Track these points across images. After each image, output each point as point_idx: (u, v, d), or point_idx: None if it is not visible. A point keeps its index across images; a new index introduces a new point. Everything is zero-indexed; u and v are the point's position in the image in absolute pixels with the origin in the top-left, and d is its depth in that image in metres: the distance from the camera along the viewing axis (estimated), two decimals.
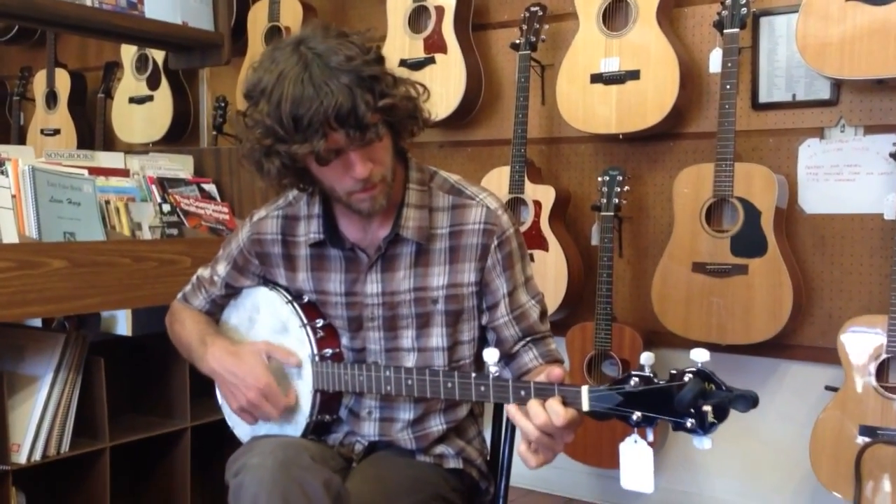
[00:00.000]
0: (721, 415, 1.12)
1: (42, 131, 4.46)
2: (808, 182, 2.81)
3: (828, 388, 2.64)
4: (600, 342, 2.94)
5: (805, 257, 2.83)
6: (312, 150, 1.37)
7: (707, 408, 1.11)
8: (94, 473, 2.28)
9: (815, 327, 2.83)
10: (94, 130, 4.33)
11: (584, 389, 1.22)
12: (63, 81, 4.43)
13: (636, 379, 1.17)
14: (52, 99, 4.46)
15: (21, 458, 2.10)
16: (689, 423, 1.13)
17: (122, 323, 3.17)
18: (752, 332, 2.71)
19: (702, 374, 1.13)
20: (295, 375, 1.60)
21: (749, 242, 2.70)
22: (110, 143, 4.24)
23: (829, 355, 2.73)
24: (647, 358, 1.17)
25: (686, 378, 1.13)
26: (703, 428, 1.13)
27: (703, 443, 1.14)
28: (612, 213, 2.93)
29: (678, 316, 2.84)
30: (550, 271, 3.06)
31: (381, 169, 1.46)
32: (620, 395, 1.18)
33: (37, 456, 2.12)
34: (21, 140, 4.58)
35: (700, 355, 1.14)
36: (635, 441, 1.22)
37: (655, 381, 1.16)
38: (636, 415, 1.17)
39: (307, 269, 1.62)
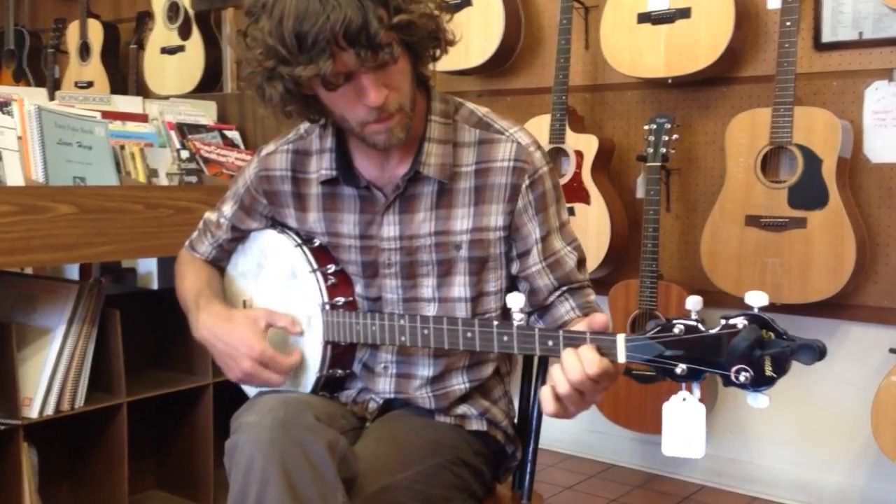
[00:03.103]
0: (780, 368, 0.95)
1: (76, 83, 4.39)
2: (875, 128, 2.59)
3: (892, 350, 2.45)
4: (645, 301, 2.77)
5: (870, 210, 2.62)
6: (318, 73, 1.22)
7: (765, 359, 0.95)
8: (111, 429, 2.19)
9: (880, 286, 2.62)
10: (127, 82, 4.24)
11: (621, 338, 1.06)
12: (96, 33, 4.35)
13: (681, 326, 1.01)
14: (85, 51, 4.38)
15: (33, 412, 2.01)
16: (744, 376, 0.97)
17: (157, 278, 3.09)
18: (809, 290, 2.52)
19: (759, 321, 0.96)
20: (304, 326, 1.46)
21: (808, 193, 2.50)
22: (143, 95, 4.15)
23: (895, 316, 2.53)
24: (693, 302, 1.01)
25: (740, 325, 0.97)
26: (760, 382, 0.96)
27: (759, 400, 0.97)
28: (659, 164, 2.74)
29: (729, 273, 2.66)
30: (592, 226, 2.89)
31: (398, 96, 1.30)
32: (662, 345, 1.01)
33: (49, 410, 2.03)
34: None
35: (757, 299, 0.97)
36: (684, 399, 1.06)
37: (703, 328, 1.00)
38: (680, 367, 1.01)
39: (319, 208, 1.48)
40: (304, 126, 1.51)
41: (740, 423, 2.93)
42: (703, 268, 2.72)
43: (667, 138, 2.73)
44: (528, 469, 1.51)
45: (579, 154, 2.91)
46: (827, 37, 2.64)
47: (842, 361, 2.71)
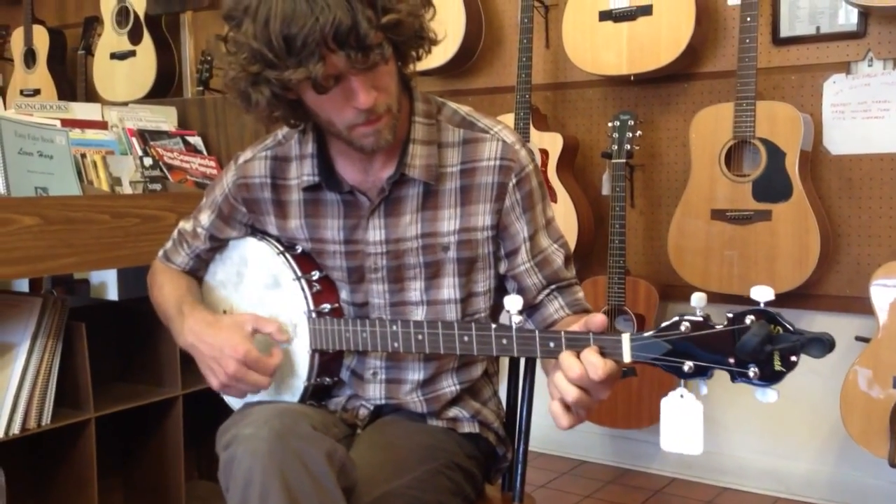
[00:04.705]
0: (790, 362, 0.96)
1: (22, 92, 4.27)
2: (834, 121, 2.63)
3: (858, 338, 2.49)
4: (614, 297, 2.78)
5: (830, 202, 2.66)
6: (309, 76, 1.18)
7: (774, 354, 0.95)
8: (79, 446, 2.13)
9: (842, 275, 2.67)
10: (75, 89, 4.14)
11: (625, 337, 1.06)
12: (41, 39, 4.23)
13: (687, 324, 1.00)
14: (30, 58, 4.26)
15: None
16: (752, 372, 0.97)
17: (114, 288, 3.01)
18: (776, 281, 2.55)
19: (766, 316, 0.96)
20: (290, 334, 1.43)
21: (772, 186, 2.53)
22: (93, 101, 4.04)
23: (858, 304, 2.58)
24: (698, 299, 1.00)
25: (748, 320, 0.97)
26: (769, 378, 0.96)
27: (768, 395, 0.98)
28: (623, 161, 2.76)
29: (696, 267, 2.68)
30: (559, 224, 2.87)
31: (387, 98, 1.28)
32: (668, 343, 1.01)
33: (15, 429, 1.96)
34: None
35: (763, 294, 0.97)
36: (681, 396, 1.06)
37: (711, 325, 1.00)
38: (688, 365, 1.01)
39: (300, 215, 1.45)
40: (281, 132, 1.48)
41: (709, 415, 2.94)
42: (670, 262, 2.74)
43: (630, 135, 2.74)
44: (520, 470, 1.50)
45: (544, 152, 2.91)
46: (785, 31, 2.69)
47: None
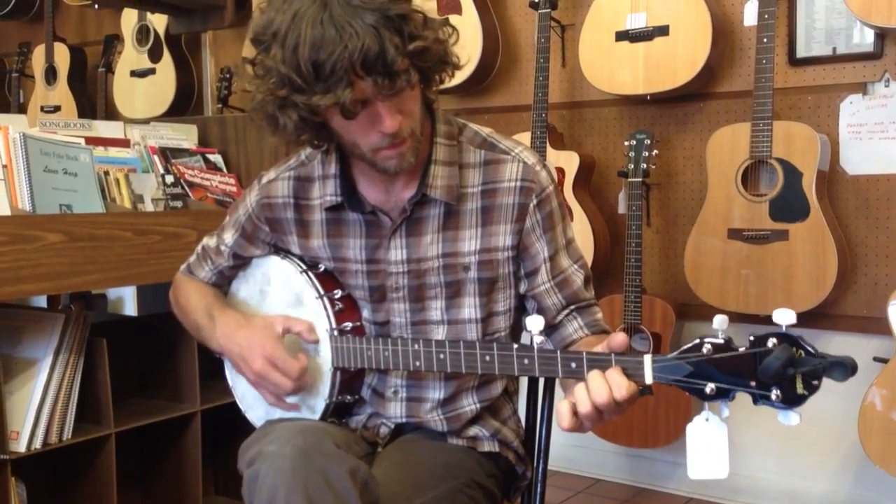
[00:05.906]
0: (812, 386, 0.97)
1: (42, 108, 4.32)
2: (851, 141, 2.64)
3: (876, 359, 2.48)
4: (630, 315, 2.79)
5: (847, 221, 2.67)
6: (337, 102, 1.20)
7: (797, 377, 0.96)
8: (99, 461, 2.15)
9: (860, 296, 2.67)
10: (95, 106, 4.19)
11: (647, 359, 1.07)
12: (62, 56, 4.29)
13: (709, 346, 1.01)
14: (51, 75, 4.31)
15: (20, 446, 1.97)
16: (775, 395, 0.98)
17: (130, 304, 3.03)
18: (793, 301, 2.55)
19: (789, 339, 0.97)
20: (312, 352, 1.45)
21: (789, 206, 2.54)
22: (112, 118, 4.09)
23: (876, 325, 2.57)
24: (720, 322, 1.01)
25: (770, 343, 0.98)
26: (791, 401, 0.97)
27: (790, 418, 0.99)
28: (639, 180, 2.77)
29: (713, 286, 2.69)
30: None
31: (411, 122, 1.30)
32: (690, 365, 1.02)
33: (37, 444, 1.99)
34: None
35: (785, 317, 0.98)
36: (707, 419, 1.06)
37: (733, 347, 1.01)
38: (709, 387, 1.02)
39: (323, 235, 1.47)
40: (304, 152, 1.50)
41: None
42: (687, 281, 2.74)
43: (647, 154, 2.75)
44: (539, 489, 1.51)
45: (560, 171, 2.93)
46: (801, 52, 2.70)
47: None
